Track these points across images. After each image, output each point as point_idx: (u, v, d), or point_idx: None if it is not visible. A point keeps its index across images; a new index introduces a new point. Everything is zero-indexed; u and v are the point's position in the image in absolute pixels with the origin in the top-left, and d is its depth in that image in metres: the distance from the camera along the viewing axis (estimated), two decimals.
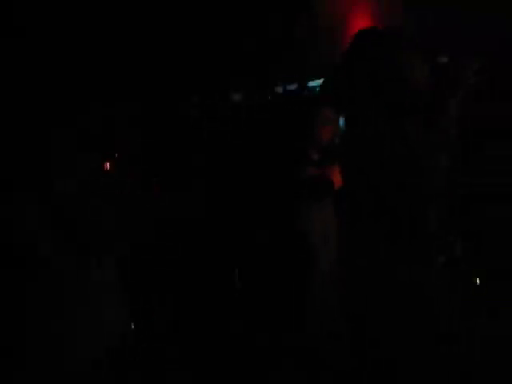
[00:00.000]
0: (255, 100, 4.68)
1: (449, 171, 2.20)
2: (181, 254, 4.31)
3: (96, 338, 2.54)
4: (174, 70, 5.14)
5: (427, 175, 2.15)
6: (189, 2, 5.29)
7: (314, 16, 5.36)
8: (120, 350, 2.62)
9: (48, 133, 2.58)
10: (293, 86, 4.57)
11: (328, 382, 3.21)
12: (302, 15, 5.34)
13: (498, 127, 4.00)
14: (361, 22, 4.81)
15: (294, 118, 3.58)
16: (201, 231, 4.37)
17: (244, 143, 4.51)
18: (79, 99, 2.58)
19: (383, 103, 2.23)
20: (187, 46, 5.18)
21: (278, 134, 3.92)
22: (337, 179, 3.20)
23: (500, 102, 4.05)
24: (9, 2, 3.99)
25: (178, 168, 4.50)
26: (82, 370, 2.49)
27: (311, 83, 4.53)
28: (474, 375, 2.43)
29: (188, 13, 5.24)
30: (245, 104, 4.72)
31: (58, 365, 2.46)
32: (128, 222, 2.83)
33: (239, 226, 4.30)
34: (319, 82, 4.40)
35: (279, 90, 4.59)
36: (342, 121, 3.80)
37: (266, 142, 4.21)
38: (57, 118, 2.61)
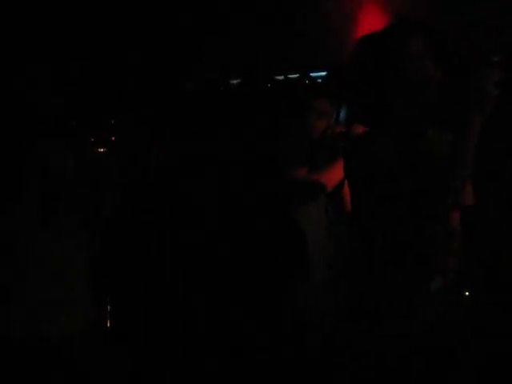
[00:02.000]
0: (254, 87, 4.56)
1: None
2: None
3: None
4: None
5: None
6: None
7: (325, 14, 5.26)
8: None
9: None
10: (295, 75, 4.46)
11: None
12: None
13: None
14: (371, 19, 4.68)
15: (288, 108, 3.23)
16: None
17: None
18: None
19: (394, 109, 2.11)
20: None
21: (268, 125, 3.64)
22: (330, 180, 2.95)
23: None
24: None
25: None
26: None
27: (314, 74, 4.41)
28: None
29: None
30: (243, 91, 4.60)
31: None
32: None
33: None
34: (322, 73, 4.29)
35: (279, 77, 4.48)
36: (341, 114, 3.61)
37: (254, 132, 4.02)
38: None
